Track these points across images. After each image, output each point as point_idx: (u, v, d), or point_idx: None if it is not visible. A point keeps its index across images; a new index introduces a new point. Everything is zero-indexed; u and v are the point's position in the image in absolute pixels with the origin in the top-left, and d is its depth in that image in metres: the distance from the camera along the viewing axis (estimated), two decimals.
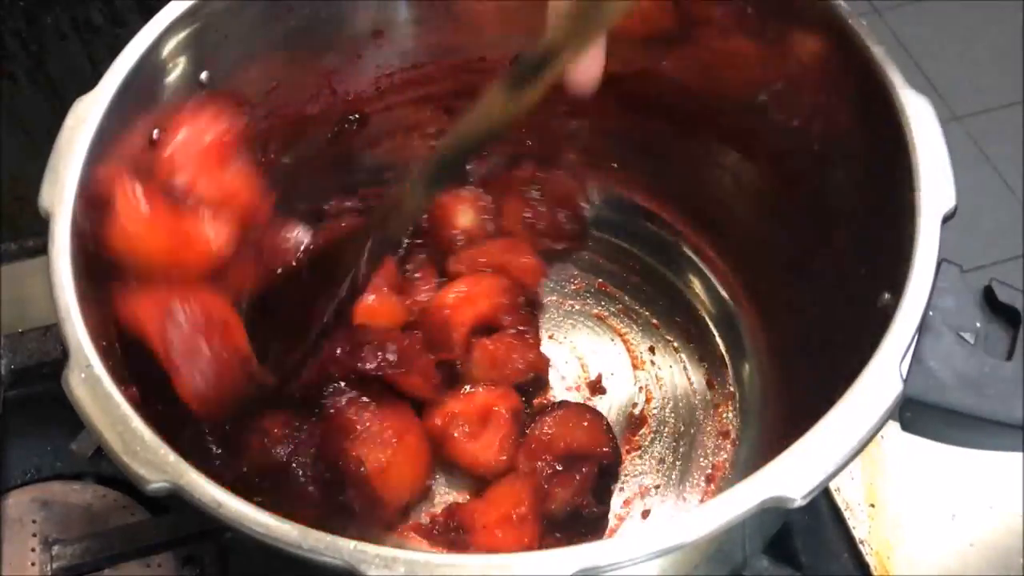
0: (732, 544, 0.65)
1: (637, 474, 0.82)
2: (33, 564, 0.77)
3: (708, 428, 0.84)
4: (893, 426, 0.55)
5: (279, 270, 0.78)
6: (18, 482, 0.83)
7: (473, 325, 0.82)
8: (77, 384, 0.55)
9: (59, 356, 0.63)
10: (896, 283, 0.57)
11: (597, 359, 0.88)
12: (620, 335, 0.90)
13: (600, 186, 0.95)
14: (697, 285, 0.93)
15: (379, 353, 0.75)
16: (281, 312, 0.73)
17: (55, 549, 0.68)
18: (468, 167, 0.92)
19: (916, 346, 0.55)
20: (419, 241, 0.90)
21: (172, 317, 0.63)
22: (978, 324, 0.57)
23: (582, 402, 0.84)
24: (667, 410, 0.86)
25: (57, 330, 0.57)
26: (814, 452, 0.51)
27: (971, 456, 0.79)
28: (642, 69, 0.84)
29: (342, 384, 0.75)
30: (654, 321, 0.90)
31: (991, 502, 0.81)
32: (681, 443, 0.83)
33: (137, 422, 0.54)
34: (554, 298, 0.92)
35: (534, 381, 0.85)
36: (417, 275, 0.88)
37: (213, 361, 0.64)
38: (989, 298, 0.57)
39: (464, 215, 0.91)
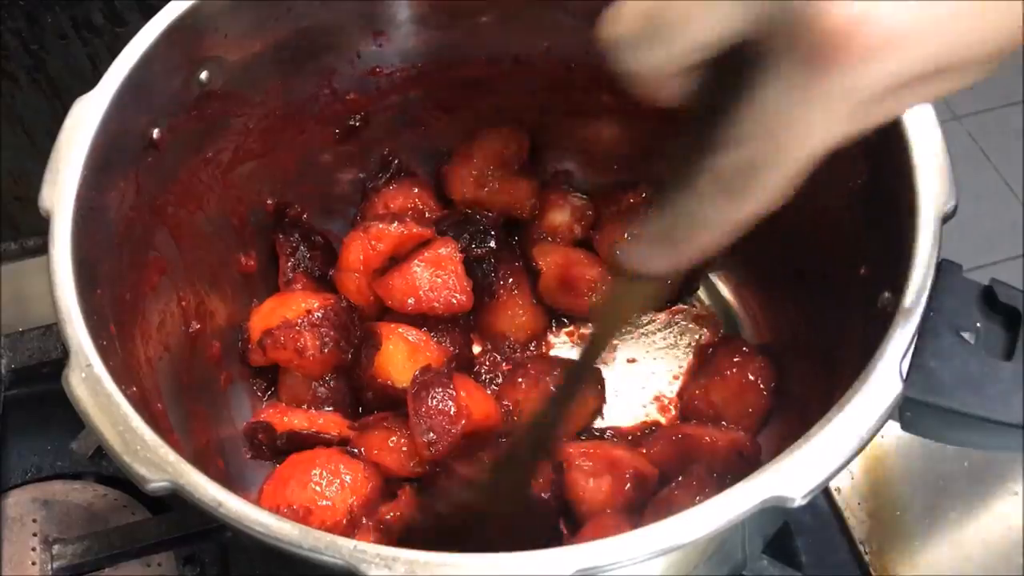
0: (732, 544, 0.65)
1: None
2: (33, 563, 0.77)
3: None
4: (893, 426, 0.55)
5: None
6: (18, 481, 0.84)
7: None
8: (77, 384, 0.55)
9: (59, 356, 0.63)
10: (896, 283, 0.57)
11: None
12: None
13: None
14: None
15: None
16: None
17: (55, 548, 0.68)
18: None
19: (916, 346, 0.55)
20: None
21: None
22: (978, 324, 0.57)
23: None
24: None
25: (57, 330, 0.57)
26: (814, 452, 0.51)
27: (971, 456, 0.79)
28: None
29: None
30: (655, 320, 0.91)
31: (991, 502, 0.81)
32: None
33: (137, 421, 0.54)
34: None
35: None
36: (510, 280, 0.88)
37: None
38: (989, 298, 0.57)
39: (560, 213, 0.91)
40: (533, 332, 0.89)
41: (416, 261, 0.83)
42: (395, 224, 0.84)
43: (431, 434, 0.74)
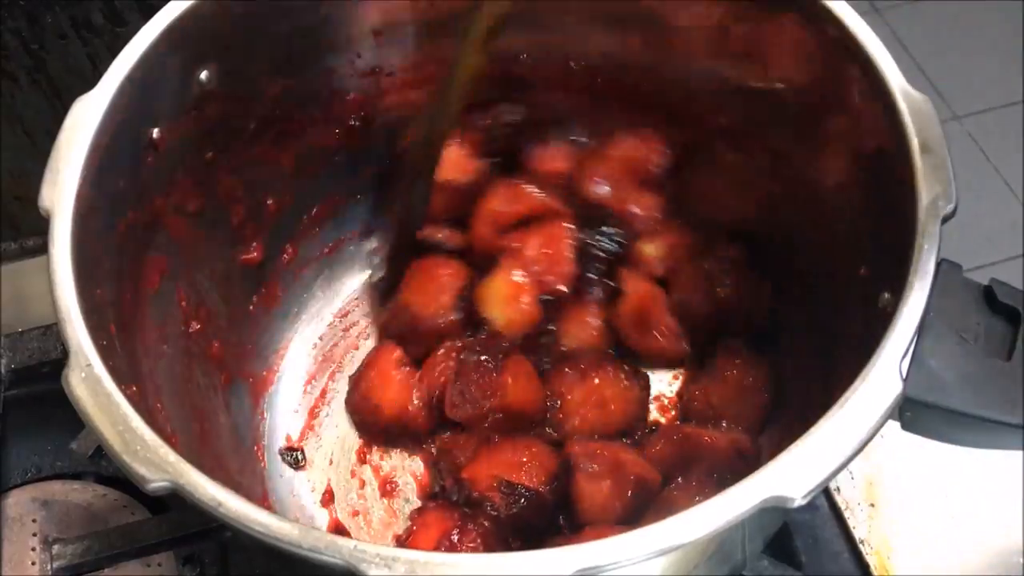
0: (732, 544, 0.65)
1: None
2: (33, 563, 0.77)
3: None
4: (893, 426, 0.55)
5: None
6: (18, 481, 0.84)
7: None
8: (77, 383, 0.55)
9: (59, 356, 0.63)
10: (896, 283, 0.57)
11: None
12: None
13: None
14: None
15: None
16: None
17: (55, 548, 0.68)
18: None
19: (916, 346, 0.55)
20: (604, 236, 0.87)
21: None
22: (978, 324, 0.57)
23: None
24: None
25: (57, 330, 0.57)
26: (814, 452, 0.51)
27: (971, 456, 0.79)
28: (644, 66, 0.84)
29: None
30: None
31: (991, 502, 0.81)
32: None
33: (137, 421, 0.54)
34: None
35: None
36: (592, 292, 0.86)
37: None
38: (989, 298, 0.57)
39: (652, 245, 0.88)
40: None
41: (534, 228, 0.83)
42: (539, 191, 0.84)
43: (459, 397, 0.76)
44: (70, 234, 0.60)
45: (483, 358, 0.78)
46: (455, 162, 0.87)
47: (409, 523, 0.78)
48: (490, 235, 0.86)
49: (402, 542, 0.77)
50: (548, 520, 0.76)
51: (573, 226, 0.85)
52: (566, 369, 0.83)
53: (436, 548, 0.70)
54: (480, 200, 0.87)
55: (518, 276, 0.83)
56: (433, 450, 0.83)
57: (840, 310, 0.70)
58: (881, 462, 0.83)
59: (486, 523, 0.72)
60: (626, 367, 0.84)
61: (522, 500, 0.73)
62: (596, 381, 0.81)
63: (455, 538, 0.71)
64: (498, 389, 0.77)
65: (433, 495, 0.81)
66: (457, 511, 0.74)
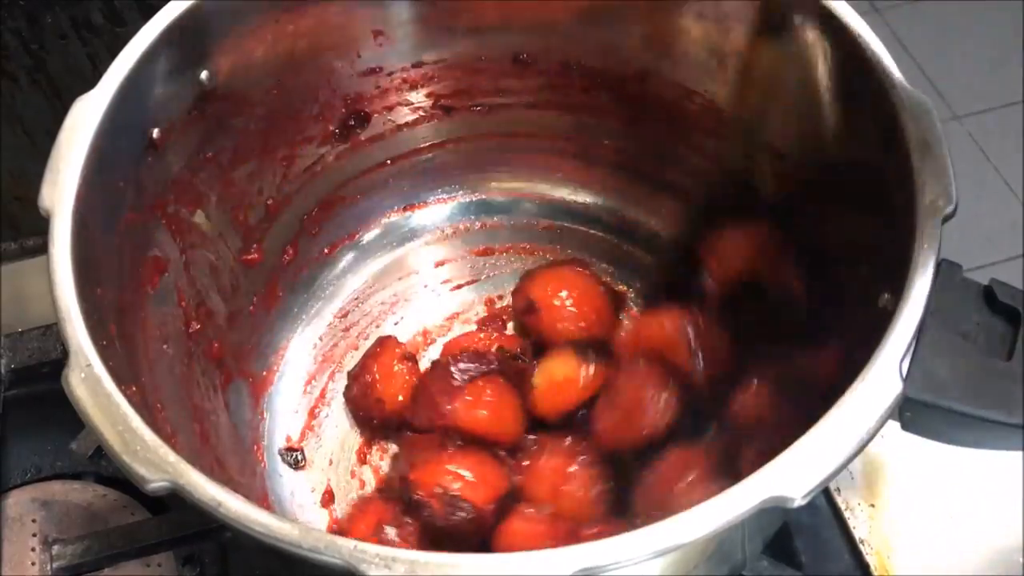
0: (732, 544, 0.65)
1: None
2: (33, 563, 0.77)
3: None
4: (893, 426, 0.55)
5: None
6: (18, 481, 0.84)
7: None
8: (77, 383, 0.55)
9: (59, 356, 0.63)
10: (896, 283, 0.57)
11: None
12: None
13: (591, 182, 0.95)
14: None
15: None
16: None
17: (55, 548, 0.68)
18: None
19: (916, 346, 0.55)
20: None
21: None
22: (978, 324, 0.57)
23: None
24: None
25: (57, 330, 0.57)
26: (814, 452, 0.51)
27: (971, 456, 0.79)
28: (640, 69, 0.84)
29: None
30: None
31: (991, 502, 0.81)
32: None
33: (137, 421, 0.54)
34: None
35: None
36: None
37: None
38: (989, 298, 0.57)
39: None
40: None
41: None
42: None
43: (413, 404, 0.76)
44: (70, 234, 0.60)
45: (452, 369, 0.75)
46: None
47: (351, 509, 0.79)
48: (621, 348, 0.82)
49: (342, 526, 0.77)
50: (485, 536, 0.74)
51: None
52: (564, 439, 0.76)
53: (368, 537, 0.69)
54: (633, 315, 0.85)
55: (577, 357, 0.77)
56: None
57: (840, 310, 0.70)
58: (881, 462, 0.83)
59: (421, 524, 0.72)
60: (614, 483, 0.75)
61: (460, 513, 0.72)
62: (573, 469, 0.75)
63: (388, 531, 0.71)
64: (453, 404, 0.74)
65: (382, 488, 0.81)
66: (398, 506, 0.73)
